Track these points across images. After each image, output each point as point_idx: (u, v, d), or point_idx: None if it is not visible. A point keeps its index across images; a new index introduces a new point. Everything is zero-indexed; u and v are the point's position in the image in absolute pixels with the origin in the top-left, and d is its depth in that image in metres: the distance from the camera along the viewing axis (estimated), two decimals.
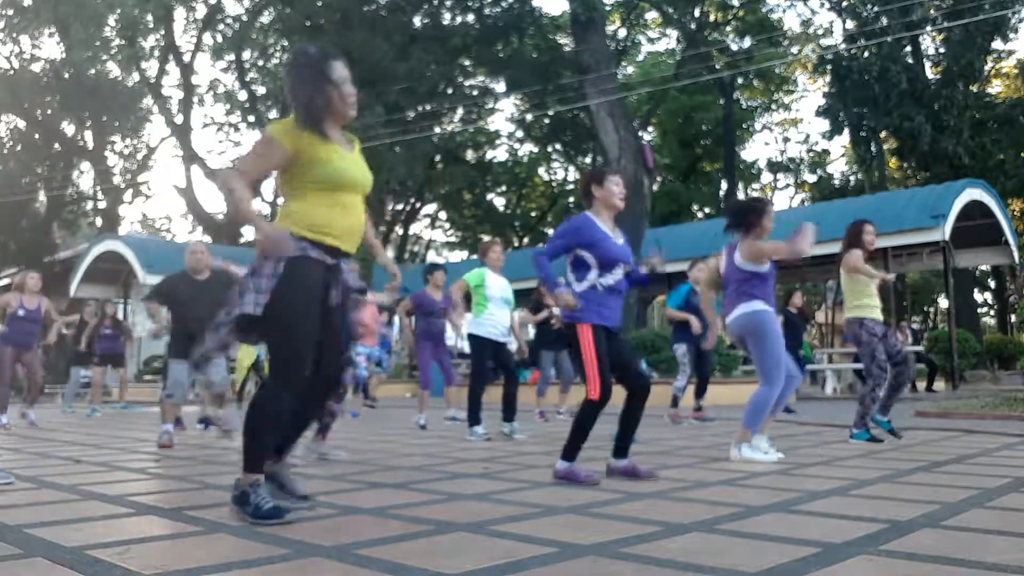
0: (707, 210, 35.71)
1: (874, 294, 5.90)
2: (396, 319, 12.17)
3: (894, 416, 6.17)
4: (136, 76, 30.63)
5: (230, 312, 2.90)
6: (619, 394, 3.86)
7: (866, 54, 25.51)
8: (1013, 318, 33.62)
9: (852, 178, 34.55)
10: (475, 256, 7.26)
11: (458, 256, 38.43)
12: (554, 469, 3.89)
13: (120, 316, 13.12)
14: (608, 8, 28.11)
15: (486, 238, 36.63)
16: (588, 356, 3.77)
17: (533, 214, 39.80)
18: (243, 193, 2.82)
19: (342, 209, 2.95)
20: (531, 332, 11.05)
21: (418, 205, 35.64)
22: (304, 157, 2.90)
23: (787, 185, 40.41)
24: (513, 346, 7.17)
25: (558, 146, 36.64)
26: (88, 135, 32.16)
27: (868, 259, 5.91)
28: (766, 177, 39.99)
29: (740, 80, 33.62)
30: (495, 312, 6.58)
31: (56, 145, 31.37)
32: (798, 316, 10.00)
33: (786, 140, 48.60)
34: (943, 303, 34.54)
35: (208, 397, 6.46)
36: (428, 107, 28.32)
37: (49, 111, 30.56)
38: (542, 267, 3.90)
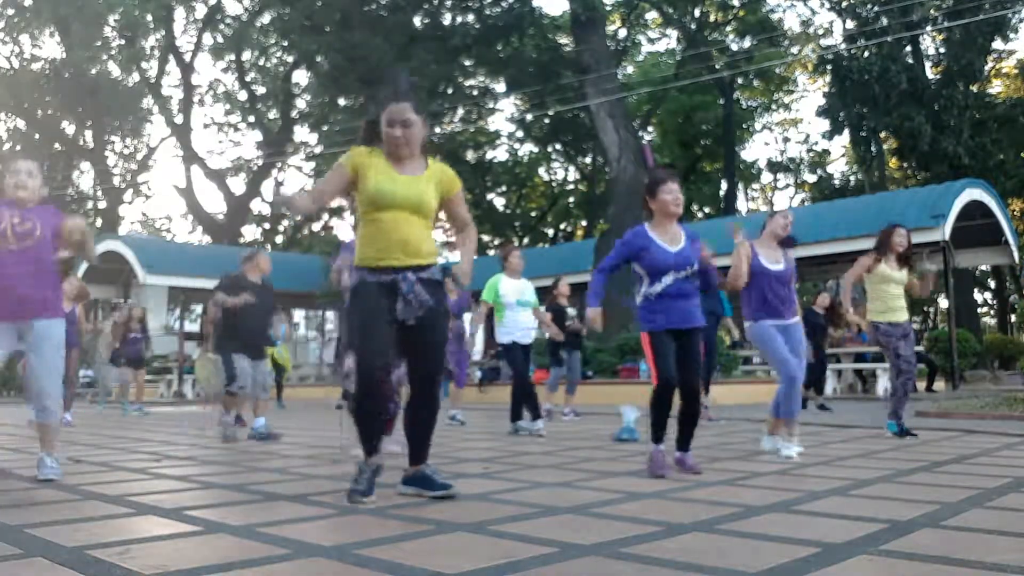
0: (707, 210, 35.72)
1: (895, 296, 6.03)
2: None
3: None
4: (136, 76, 30.63)
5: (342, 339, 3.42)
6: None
7: (866, 54, 25.51)
8: (1013, 318, 33.63)
9: (852, 178, 34.56)
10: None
11: (458, 256, 38.38)
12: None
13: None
14: (608, 8, 28.10)
15: (486, 238, 36.71)
16: (647, 356, 4.11)
17: (533, 214, 39.80)
18: (300, 200, 3.39)
19: (385, 228, 3.25)
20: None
21: None
22: (359, 176, 3.30)
23: (787, 185, 40.44)
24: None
25: (558, 146, 36.63)
26: (88, 135, 32.16)
27: (898, 260, 6.05)
28: (766, 177, 40.03)
29: (740, 80, 33.63)
30: (514, 316, 6.86)
31: (56, 145, 31.37)
32: (818, 315, 9.96)
33: (786, 140, 48.58)
34: (943, 303, 34.55)
35: (256, 405, 6.62)
36: (428, 107, 28.31)
37: (49, 111, 30.56)
38: (593, 284, 4.24)
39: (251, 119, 32.51)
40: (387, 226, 3.23)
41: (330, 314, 24.05)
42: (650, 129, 35.58)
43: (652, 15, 34.33)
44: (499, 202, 39.41)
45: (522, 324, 6.86)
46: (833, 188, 33.31)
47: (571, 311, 9.35)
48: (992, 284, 37.00)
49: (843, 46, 27.35)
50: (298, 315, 25.62)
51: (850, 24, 28.57)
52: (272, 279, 6.79)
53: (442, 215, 3.62)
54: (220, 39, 30.72)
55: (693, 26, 32.32)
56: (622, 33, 33.78)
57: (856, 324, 14.27)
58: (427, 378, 3.37)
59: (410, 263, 3.26)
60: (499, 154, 38.04)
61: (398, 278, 3.22)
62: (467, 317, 7.94)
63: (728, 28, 33.92)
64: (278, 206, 3.47)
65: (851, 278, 6.23)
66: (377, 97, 24.18)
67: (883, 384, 11.04)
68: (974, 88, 27.11)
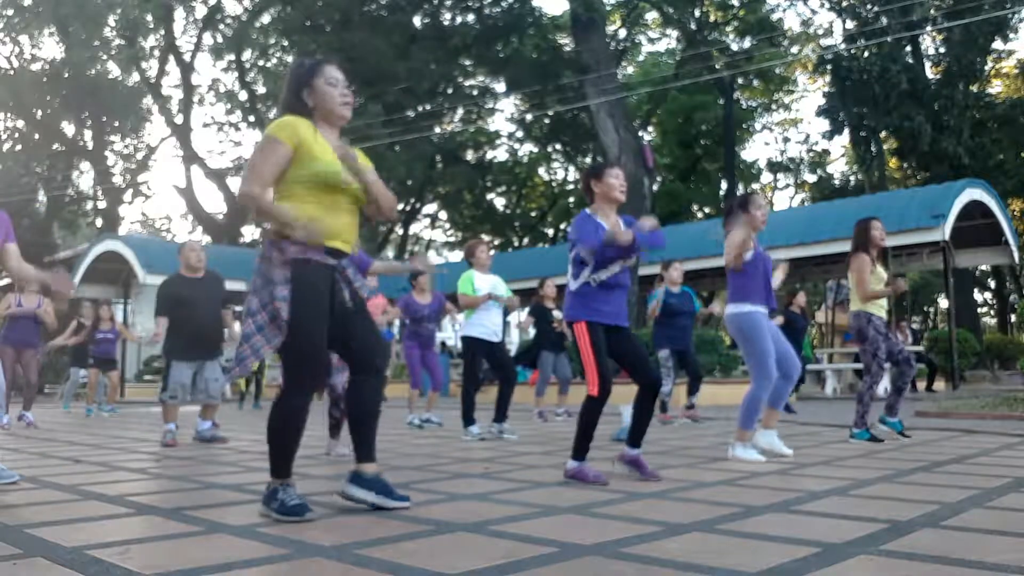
0: (707, 210, 35.72)
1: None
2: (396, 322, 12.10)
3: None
4: (136, 76, 30.63)
5: (257, 323, 2.92)
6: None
7: (866, 54, 25.51)
8: (1013, 318, 33.63)
9: (852, 178, 34.57)
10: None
11: (458, 256, 38.40)
12: (565, 468, 3.90)
13: (118, 318, 13.03)
14: (608, 8, 28.10)
15: (486, 238, 36.72)
16: (585, 353, 3.84)
17: (533, 214, 39.79)
18: (263, 202, 2.89)
19: (335, 212, 2.96)
20: (531, 332, 11.12)
21: (418, 205, 35.66)
22: (303, 152, 2.92)
23: (787, 185, 40.44)
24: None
25: (558, 146, 36.63)
26: (88, 135, 32.16)
27: (878, 256, 5.96)
28: (766, 177, 40.02)
29: (740, 80, 33.61)
30: (484, 312, 6.63)
31: (56, 145, 31.37)
32: (800, 316, 10.02)
33: (786, 140, 48.55)
34: (943, 303, 34.56)
35: (202, 407, 6.47)
36: (428, 107, 28.34)
37: (49, 111, 30.55)
38: (601, 254, 3.82)
39: (251, 119, 32.50)
40: (338, 210, 2.97)
41: None
42: (650, 129, 35.57)
43: (652, 15, 34.31)
44: (499, 202, 39.41)
45: (493, 322, 6.64)
46: (833, 188, 33.30)
47: (557, 313, 9.34)
48: (992, 284, 37.00)
49: (843, 46, 27.34)
50: None
51: (850, 24, 28.57)
52: None
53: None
54: (220, 39, 30.71)
55: (693, 26, 32.32)
56: (622, 33, 33.78)
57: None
58: (371, 365, 3.08)
59: (344, 250, 3.02)
60: (499, 154, 38.07)
61: (342, 264, 2.99)
62: (459, 319, 7.71)
63: (728, 28, 33.91)
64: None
65: (866, 284, 5.83)
66: (380, 97, 24.16)
67: (884, 384, 11.05)
68: (974, 88, 27.11)
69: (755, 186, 38.96)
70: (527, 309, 9.92)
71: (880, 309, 5.88)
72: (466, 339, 6.66)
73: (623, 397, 4.55)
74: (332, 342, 3.03)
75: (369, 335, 3.08)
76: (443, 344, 16.73)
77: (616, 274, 3.92)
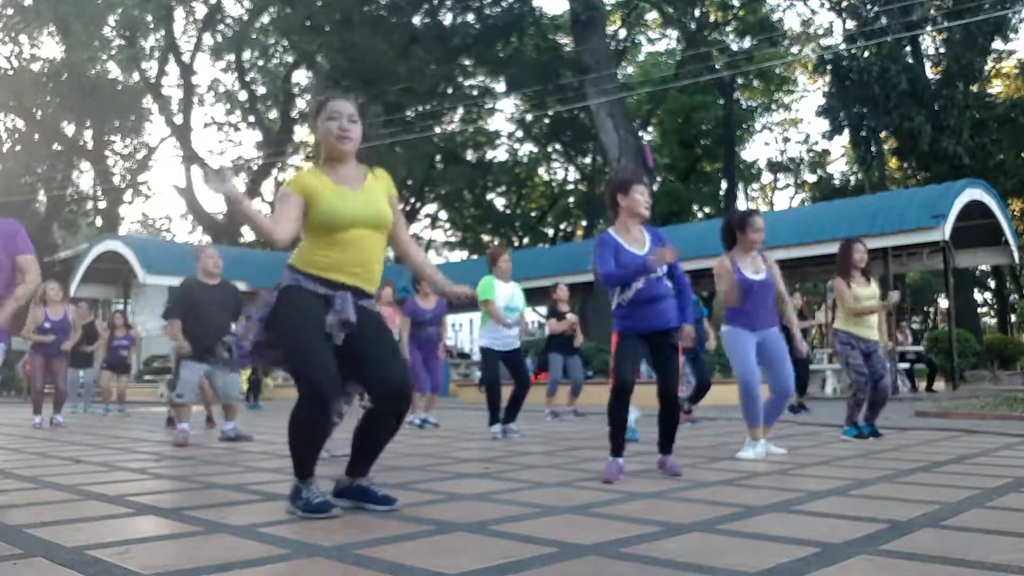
0: (707, 210, 35.74)
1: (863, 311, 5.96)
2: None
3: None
4: (136, 76, 30.64)
5: (242, 343, 3.05)
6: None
7: (866, 54, 25.52)
8: (1013, 318, 33.64)
9: (852, 178, 34.59)
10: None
11: (458, 256, 38.41)
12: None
13: (129, 321, 13.15)
14: (608, 8, 28.14)
15: (486, 238, 36.77)
16: (612, 355, 4.06)
17: (533, 214, 39.80)
18: (251, 209, 2.94)
19: (342, 247, 2.98)
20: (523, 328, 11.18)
21: (418, 205, 35.67)
22: (309, 200, 2.99)
23: (787, 185, 40.48)
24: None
25: (558, 146, 36.64)
26: (88, 135, 32.16)
27: (866, 274, 6.03)
28: (766, 177, 40.06)
29: (740, 80, 33.63)
30: (497, 325, 6.67)
31: (56, 145, 31.36)
32: (800, 316, 10.05)
33: (786, 140, 48.60)
34: (943, 303, 34.55)
35: (224, 409, 6.59)
36: (428, 107, 28.35)
37: (49, 111, 30.55)
38: (617, 278, 3.97)
39: (251, 119, 32.53)
40: (346, 245, 2.98)
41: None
42: (650, 129, 35.59)
43: (652, 15, 34.36)
44: (499, 202, 39.44)
45: (505, 331, 6.67)
46: (833, 188, 33.33)
47: (571, 316, 9.34)
48: (992, 284, 37.02)
49: (843, 46, 27.35)
50: None
51: (850, 24, 28.59)
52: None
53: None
54: (220, 39, 30.74)
55: (693, 26, 32.35)
56: (622, 33, 33.81)
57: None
58: (394, 392, 2.99)
59: (356, 284, 3.01)
60: (499, 154, 38.09)
61: (335, 294, 2.96)
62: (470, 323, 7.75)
63: (728, 28, 33.93)
64: (217, 188, 2.82)
65: (847, 304, 5.94)
66: (380, 97, 24.14)
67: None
68: (974, 88, 27.14)
69: (755, 186, 39.00)
70: (544, 313, 9.99)
71: (858, 328, 5.90)
72: (483, 349, 6.83)
73: None
74: (346, 371, 2.99)
75: (386, 366, 3.01)
76: None
77: (640, 290, 3.98)
